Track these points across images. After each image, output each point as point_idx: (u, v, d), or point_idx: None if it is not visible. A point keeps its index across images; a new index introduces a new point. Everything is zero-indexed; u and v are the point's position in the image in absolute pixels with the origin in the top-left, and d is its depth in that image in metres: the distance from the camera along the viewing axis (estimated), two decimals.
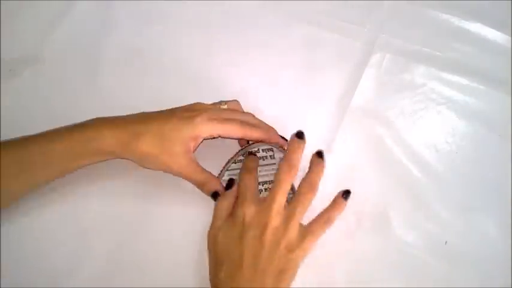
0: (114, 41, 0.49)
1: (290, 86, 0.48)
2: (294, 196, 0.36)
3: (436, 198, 0.42)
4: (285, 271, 0.34)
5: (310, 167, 0.37)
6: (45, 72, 0.47)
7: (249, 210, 0.35)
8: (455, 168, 0.44)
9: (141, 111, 0.38)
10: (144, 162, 0.37)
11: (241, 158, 0.40)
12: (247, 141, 0.41)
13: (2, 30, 0.48)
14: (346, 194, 0.38)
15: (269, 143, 0.40)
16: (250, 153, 0.40)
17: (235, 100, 0.42)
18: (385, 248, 0.40)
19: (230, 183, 0.37)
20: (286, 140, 0.39)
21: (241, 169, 0.39)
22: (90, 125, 0.37)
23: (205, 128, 0.36)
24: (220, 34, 0.50)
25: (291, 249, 0.34)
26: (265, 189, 0.39)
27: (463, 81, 0.48)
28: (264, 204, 0.35)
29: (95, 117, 0.37)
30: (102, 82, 0.47)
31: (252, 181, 0.37)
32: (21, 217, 0.40)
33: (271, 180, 0.38)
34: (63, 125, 0.37)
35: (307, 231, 0.35)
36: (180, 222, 0.40)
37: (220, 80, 0.47)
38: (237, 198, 0.37)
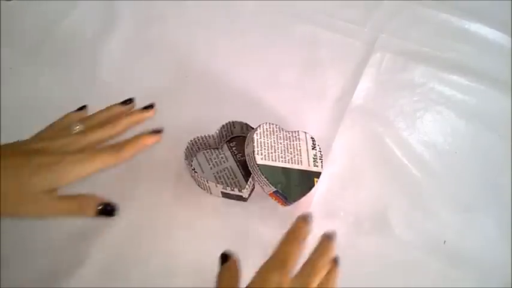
0: (114, 40, 0.49)
1: (290, 85, 0.48)
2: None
3: (435, 197, 0.42)
4: None
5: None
6: (45, 70, 0.47)
7: None
8: (455, 168, 0.44)
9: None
10: None
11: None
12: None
13: (2, 30, 0.48)
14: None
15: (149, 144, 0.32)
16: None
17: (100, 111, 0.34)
18: (385, 248, 0.40)
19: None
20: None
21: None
22: None
23: (71, 176, 0.29)
24: (221, 34, 0.50)
25: None
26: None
27: (463, 81, 0.48)
28: None
29: None
30: (102, 81, 0.47)
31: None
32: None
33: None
34: None
35: None
36: (181, 222, 0.40)
37: (221, 78, 0.47)
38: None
